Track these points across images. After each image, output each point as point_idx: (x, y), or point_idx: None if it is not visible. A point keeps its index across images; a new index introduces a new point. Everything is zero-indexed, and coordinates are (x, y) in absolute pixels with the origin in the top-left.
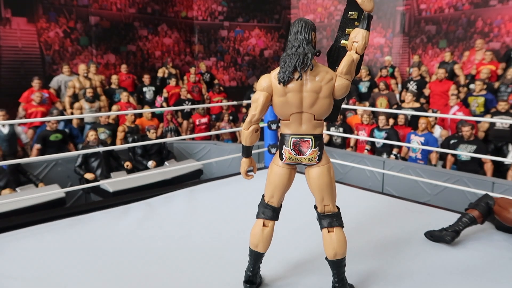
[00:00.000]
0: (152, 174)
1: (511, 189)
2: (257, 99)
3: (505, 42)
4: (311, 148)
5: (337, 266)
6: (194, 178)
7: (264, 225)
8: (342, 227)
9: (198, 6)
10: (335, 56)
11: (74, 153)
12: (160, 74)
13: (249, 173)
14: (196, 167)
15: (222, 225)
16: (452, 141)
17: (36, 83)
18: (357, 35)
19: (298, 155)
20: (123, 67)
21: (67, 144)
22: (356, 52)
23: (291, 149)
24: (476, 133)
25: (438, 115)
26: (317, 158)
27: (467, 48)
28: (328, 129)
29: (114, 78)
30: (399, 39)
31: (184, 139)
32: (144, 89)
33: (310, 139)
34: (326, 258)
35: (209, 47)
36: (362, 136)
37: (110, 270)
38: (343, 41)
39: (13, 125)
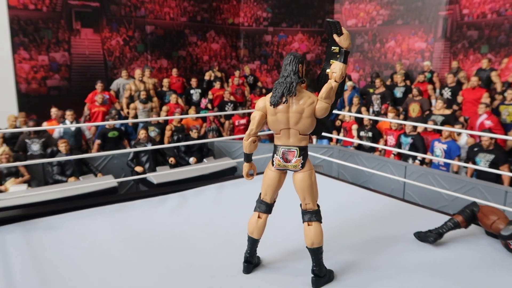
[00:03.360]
0: (191, 169)
1: None
2: (254, 117)
3: None
4: (296, 157)
5: (315, 253)
6: (228, 174)
7: (259, 217)
8: (320, 222)
9: (244, 13)
10: (322, 81)
11: (127, 150)
12: (207, 77)
13: (250, 175)
14: (230, 165)
15: (240, 217)
16: (474, 149)
17: (99, 86)
18: (335, 67)
19: (286, 162)
20: (174, 71)
21: (122, 140)
22: (335, 80)
23: (280, 158)
24: (502, 142)
25: (449, 129)
26: (301, 165)
27: (509, 54)
28: (358, 134)
29: (165, 81)
30: (441, 44)
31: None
32: (192, 91)
33: (295, 150)
34: (307, 247)
35: (254, 51)
36: (391, 140)
37: (144, 245)
38: (328, 70)
39: (79, 123)
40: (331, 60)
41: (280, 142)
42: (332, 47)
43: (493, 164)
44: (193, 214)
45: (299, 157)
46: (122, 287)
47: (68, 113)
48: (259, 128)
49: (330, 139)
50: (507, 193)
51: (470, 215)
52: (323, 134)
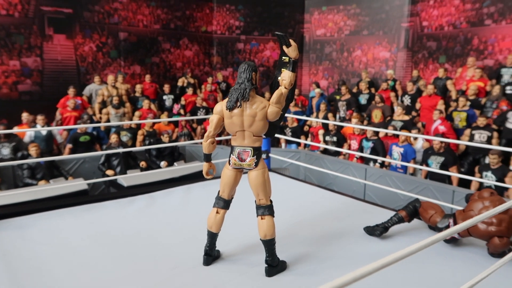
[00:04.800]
0: (161, 172)
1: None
2: (212, 120)
3: (498, 60)
4: (250, 157)
5: (268, 244)
6: (198, 177)
7: (217, 212)
8: (273, 216)
9: (217, 21)
10: (275, 88)
11: (98, 153)
12: (180, 83)
13: (210, 174)
14: (199, 168)
15: (204, 215)
16: (428, 152)
17: (71, 91)
18: (285, 75)
19: (241, 161)
20: (147, 77)
21: (94, 144)
22: (285, 87)
23: (236, 157)
24: (454, 146)
25: (405, 134)
26: (254, 164)
27: (464, 64)
28: (324, 138)
29: (138, 87)
30: (403, 54)
31: (197, 143)
32: (164, 97)
33: (250, 150)
34: (260, 239)
35: (227, 58)
36: (354, 145)
37: (110, 241)
38: (279, 78)
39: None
40: (282, 69)
41: (236, 143)
42: (283, 57)
43: (443, 166)
44: (160, 213)
45: (253, 156)
46: (89, 279)
47: (40, 118)
48: (217, 130)
49: (299, 144)
50: (454, 192)
51: (413, 210)
52: (292, 139)
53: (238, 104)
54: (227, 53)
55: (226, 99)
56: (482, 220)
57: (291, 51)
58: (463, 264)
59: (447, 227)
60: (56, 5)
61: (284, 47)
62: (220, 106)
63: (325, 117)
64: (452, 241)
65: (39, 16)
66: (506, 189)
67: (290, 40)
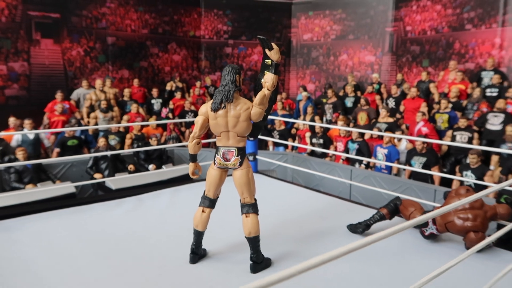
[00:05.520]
0: (149, 174)
1: None
2: (198, 121)
3: (478, 63)
4: (234, 157)
5: (252, 242)
6: (186, 179)
7: (203, 211)
8: (257, 214)
9: (205, 26)
10: (258, 90)
11: (86, 156)
12: (168, 87)
13: (195, 174)
14: (187, 170)
15: (191, 216)
16: (412, 153)
17: (59, 95)
18: (268, 77)
19: (226, 161)
20: (135, 81)
21: (82, 148)
22: (268, 89)
23: (221, 157)
24: (436, 147)
25: (389, 135)
26: (239, 164)
27: (446, 67)
28: (311, 141)
29: (126, 91)
30: (388, 58)
31: (184, 146)
32: (153, 101)
33: (234, 150)
34: (245, 236)
35: (215, 62)
36: (340, 146)
37: (98, 242)
38: (262, 80)
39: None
40: (265, 71)
41: (221, 144)
42: (266, 60)
43: (425, 166)
44: (148, 214)
45: (237, 156)
46: (77, 280)
47: (27, 122)
48: (202, 131)
49: (286, 146)
50: (436, 192)
51: (394, 208)
52: (280, 141)
53: (223, 105)
54: (215, 58)
55: (211, 101)
56: (458, 216)
57: (273, 54)
58: (439, 257)
59: (426, 224)
60: (43, 10)
61: (267, 50)
62: (205, 108)
63: (312, 120)
64: (431, 237)
65: (26, 20)
66: (486, 187)
67: (272, 43)
